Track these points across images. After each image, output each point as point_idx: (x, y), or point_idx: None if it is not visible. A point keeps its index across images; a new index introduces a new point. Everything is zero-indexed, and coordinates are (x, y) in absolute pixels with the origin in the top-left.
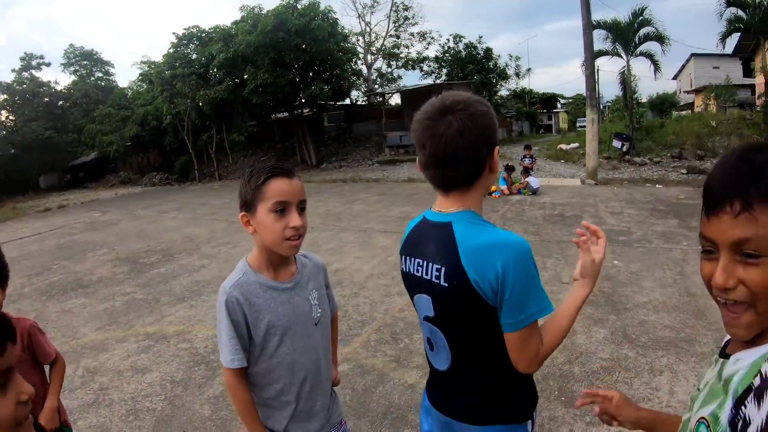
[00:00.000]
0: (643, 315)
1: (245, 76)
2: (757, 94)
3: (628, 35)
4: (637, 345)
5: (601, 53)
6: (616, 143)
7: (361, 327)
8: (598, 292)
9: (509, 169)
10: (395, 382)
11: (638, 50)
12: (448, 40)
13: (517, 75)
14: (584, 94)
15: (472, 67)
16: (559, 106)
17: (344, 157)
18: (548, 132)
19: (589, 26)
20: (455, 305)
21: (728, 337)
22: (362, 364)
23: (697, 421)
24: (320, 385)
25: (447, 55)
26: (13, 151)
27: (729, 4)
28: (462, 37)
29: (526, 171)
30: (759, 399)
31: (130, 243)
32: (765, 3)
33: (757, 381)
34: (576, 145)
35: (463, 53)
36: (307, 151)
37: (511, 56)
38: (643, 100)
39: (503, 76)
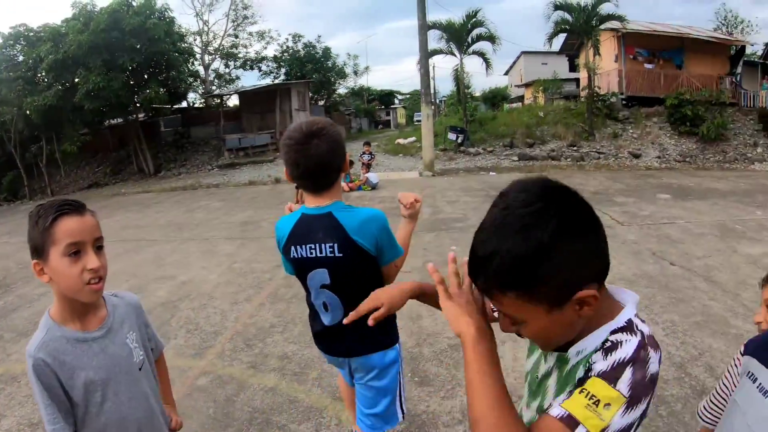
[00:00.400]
0: None
1: (76, 80)
2: (581, 87)
3: (462, 35)
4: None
5: (436, 52)
6: (452, 135)
7: (214, 338)
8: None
9: (350, 164)
10: (255, 388)
11: (471, 49)
12: (287, 39)
13: (356, 73)
14: (420, 90)
15: (310, 66)
16: (396, 102)
17: (183, 162)
18: (387, 127)
19: (425, 27)
20: (349, 266)
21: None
22: (220, 375)
23: None
24: None
25: (285, 54)
26: None
27: (556, 8)
28: (301, 36)
29: (366, 167)
30: (606, 354)
31: None
32: (589, 7)
33: (597, 357)
34: (413, 139)
35: (302, 52)
36: (143, 159)
37: (349, 55)
38: (477, 95)
39: (341, 74)
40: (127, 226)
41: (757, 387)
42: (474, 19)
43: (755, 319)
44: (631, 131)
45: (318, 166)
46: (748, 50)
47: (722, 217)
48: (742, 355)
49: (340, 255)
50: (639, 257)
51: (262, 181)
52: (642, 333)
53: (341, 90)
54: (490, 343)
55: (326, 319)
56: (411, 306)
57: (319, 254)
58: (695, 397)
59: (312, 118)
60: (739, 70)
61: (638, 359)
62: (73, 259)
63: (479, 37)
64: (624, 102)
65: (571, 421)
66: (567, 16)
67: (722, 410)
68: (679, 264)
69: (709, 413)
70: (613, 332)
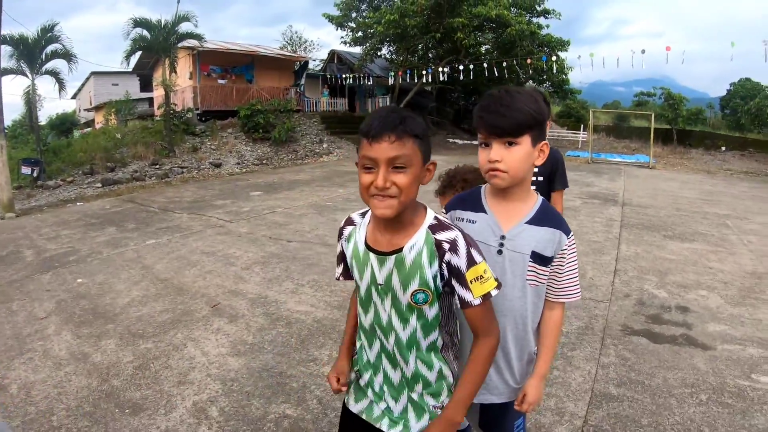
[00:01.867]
0: (134, 312)
1: None
2: (156, 105)
3: (36, 52)
4: (144, 336)
5: (7, 71)
6: (25, 170)
7: None
8: (82, 311)
9: None
10: None
11: (45, 68)
12: None
13: None
14: None
15: None
16: None
17: None
18: None
19: None
20: None
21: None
22: None
23: (412, 294)
24: None
25: None
26: None
27: (136, 24)
28: None
29: None
30: (453, 252)
31: None
32: (169, 25)
33: (445, 246)
34: None
35: None
36: None
37: None
38: (43, 122)
39: None
40: None
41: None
42: (50, 34)
43: None
44: (209, 143)
45: None
46: (311, 65)
47: (314, 199)
48: (446, 213)
49: None
50: (259, 243)
51: None
52: (455, 226)
53: None
54: None
55: None
56: (58, 355)
57: None
58: None
59: None
60: (302, 81)
61: (467, 238)
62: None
63: (54, 54)
64: (200, 117)
65: (484, 299)
66: (146, 33)
67: None
68: (295, 240)
69: None
70: (433, 228)
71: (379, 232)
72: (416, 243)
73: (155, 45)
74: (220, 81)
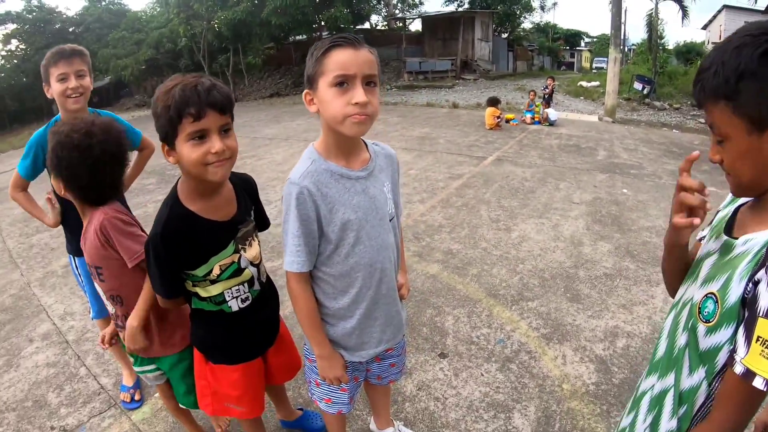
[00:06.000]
0: (646, 237)
1: None
2: None
3: None
4: (638, 260)
5: None
6: (638, 85)
7: None
8: (606, 213)
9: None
10: (419, 272)
11: None
12: None
13: (542, 8)
14: (609, 34)
15: None
16: (582, 44)
17: None
18: (570, 69)
19: None
20: None
21: (721, 216)
22: None
23: (705, 295)
24: (394, 292)
25: None
26: (25, 80)
27: None
28: None
29: (546, 103)
30: None
31: (153, 158)
32: None
33: (762, 276)
34: (597, 83)
35: None
36: None
37: None
38: (670, 47)
39: (528, 8)
40: (308, 129)
41: None
42: None
43: None
44: None
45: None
46: None
47: None
48: None
49: None
50: None
51: (440, 104)
52: None
53: (526, 24)
54: None
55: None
56: (575, 232)
57: None
58: None
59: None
60: None
61: None
62: (340, 90)
63: None
64: None
65: (749, 376)
66: None
67: None
68: None
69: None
70: None
71: None
72: None
73: None
74: None
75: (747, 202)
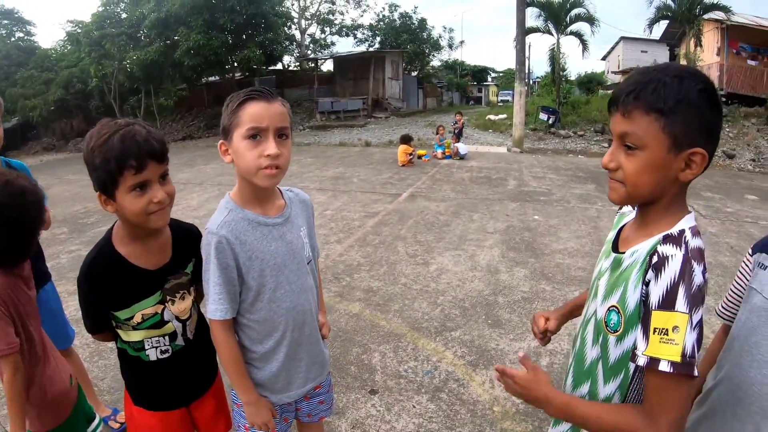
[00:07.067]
0: (559, 259)
1: (177, 38)
2: None
3: (560, 15)
4: (553, 282)
5: (533, 30)
6: (543, 116)
7: None
8: (519, 240)
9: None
10: (341, 312)
11: (569, 29)
12: (384, 8)
13: (450, 47)
14: (514, 68)
15: (406, 36)
16: (489, 79)
17: None
18: (478, 104)
19: (523, 3)
20: None
21: (613, 234)
22: None
23: (608, 309)
24: (316, 332)
25: (381, 23)
26: None
27: None
28: (397, 6)
29: (456, 137)
30: (657, 271)
31: (65, 206)
32: None
33: (654, 259)
34: (504, 116)
35: (398, 22)
36: None
37: (445, 28)
38: (572, 78)
39: (436, 47)
40: (223, 173)
41: None
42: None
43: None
44: (727, 130)
45: None
46: None
47: None
48: (751, 255)
49: None
50: (716, 248)
51: (353, 143)
52: (686, 246)
53: (435, 62)
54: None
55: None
56: (491, 260)
57: None
58: None
59: None
60: None
61: (685, 274)
62: (253, 143)
63: (577, 18)
64: (723, 99)
65: (654, 363)
66: (669, 1)
67: (738, 304)
68: None
69: (727, 310)
70: (665, 239)
71: None
72: None
73: (679, 14)
74: (751, 62)
75: (628, 223)
